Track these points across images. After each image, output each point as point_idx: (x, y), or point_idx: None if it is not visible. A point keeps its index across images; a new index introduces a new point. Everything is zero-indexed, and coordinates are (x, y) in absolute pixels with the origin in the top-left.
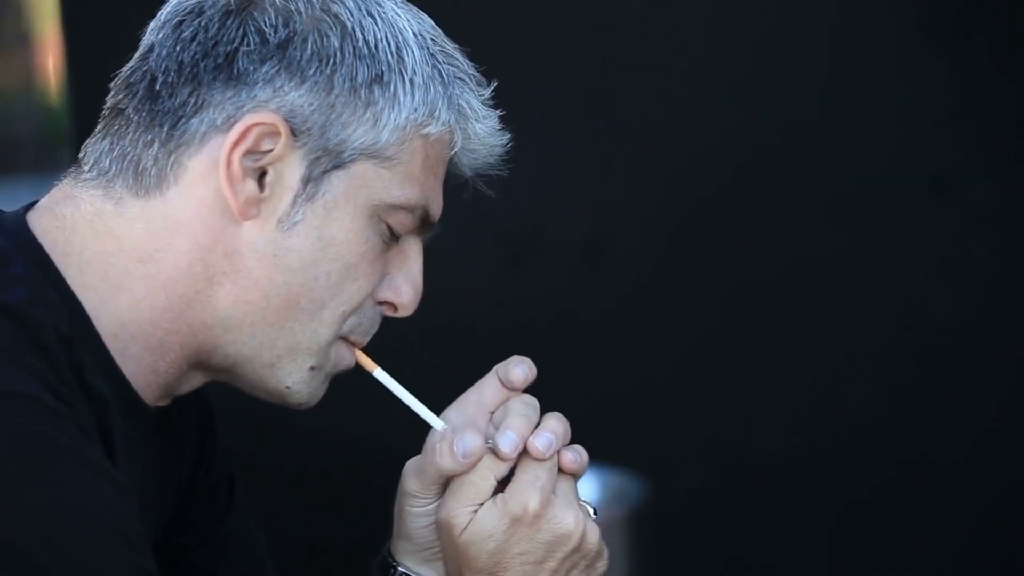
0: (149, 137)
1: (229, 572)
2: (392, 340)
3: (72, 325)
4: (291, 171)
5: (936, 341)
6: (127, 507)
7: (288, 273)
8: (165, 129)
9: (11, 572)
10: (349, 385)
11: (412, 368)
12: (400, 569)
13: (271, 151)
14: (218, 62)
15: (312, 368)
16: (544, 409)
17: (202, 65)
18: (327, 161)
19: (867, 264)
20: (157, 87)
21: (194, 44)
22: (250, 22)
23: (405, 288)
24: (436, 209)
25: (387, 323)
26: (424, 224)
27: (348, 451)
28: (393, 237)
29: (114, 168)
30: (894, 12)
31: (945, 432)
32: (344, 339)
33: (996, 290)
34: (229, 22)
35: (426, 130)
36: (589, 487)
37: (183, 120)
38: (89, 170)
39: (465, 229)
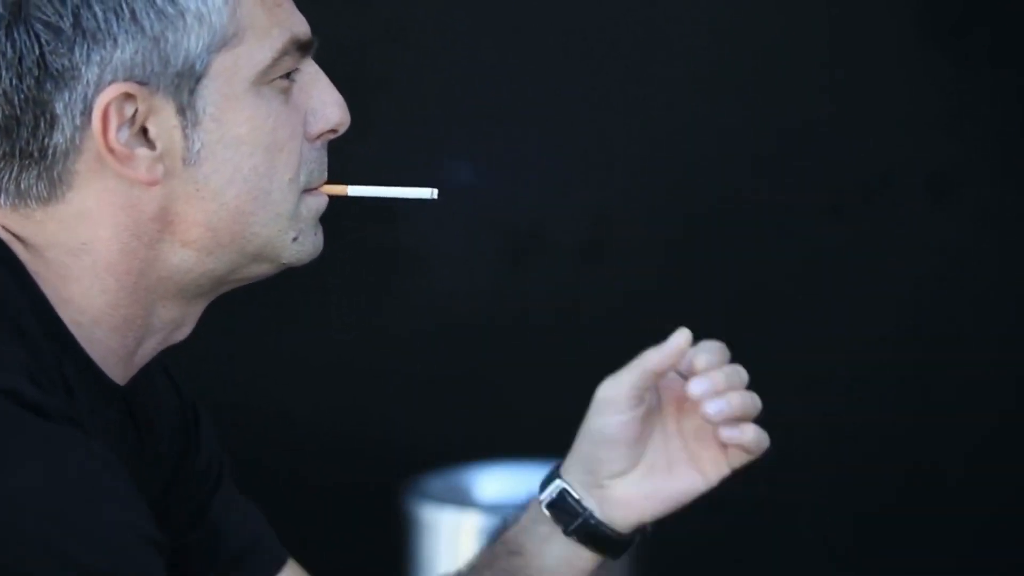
0: (24, 162)
1: (228, 548)
2: (393, 341)
3: (36, 311)
4: (164, 114)
5: (938, 342)
6: (122, 478)
7: (219, 195)
8: (35, 155)
9: (10, 552)
10: (349, 387)
11: (412, 368)
12: (563, 484)
13: (136, 111)
14: (36, 76)
15: (295, 238)
16: (544, 410)
17: (24, 87)
18: (187, 82)
19: (867, 264)
20: (1, 123)
21: (3, 72)
22: (32, 22)
23: (328, 111)
24: (301, 29)
25: (387, 324)
26: (303, 49)
27: (346, 452)
28: (288, 80)
29: None
30: (894, 12)
31: (948, 434)
32: (306, 191)
33: (997, 290)
34: (16, 34)
35: None
36: None
37: (46, 139)
38: None
39: (465, 229)
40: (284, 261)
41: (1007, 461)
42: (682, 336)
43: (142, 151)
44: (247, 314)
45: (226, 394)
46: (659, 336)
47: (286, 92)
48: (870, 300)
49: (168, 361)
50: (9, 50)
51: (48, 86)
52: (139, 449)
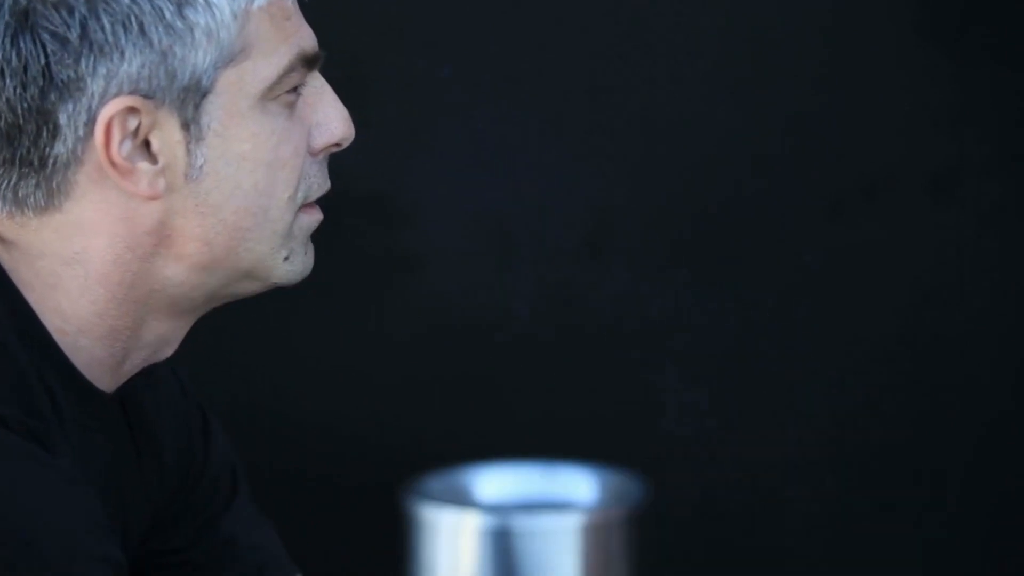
0: (24, 170)
1: (238, 567)
2: (392, 341)
3: (16, 319)
4: (168, 128)
5: (938, 342)
6: (84, 497)
7: (217, 210)
8: (35, 163)
9: None
10: (349, 387)
11: (412, 368)
12: None
13: (139, 125)
14: (40, 85)
15: (287, 257)
16: (544, 410)
17: (28, 96)
18: (192, 97)
19: (867, 264)
20: (3, 130)
21: (7, 80)
22: (40, 32)
23: (333, 124)
24: (309, 43)
25: (386, 324)
26: (309, 63)
27: (346, 452)
28: (294, 95)
29: None
30: (894, 11)
31: (948, 434)
32: (303, 207)
33: (998, 289)
34: (22, 43)
35: (256, 2)
36: (589, 487)
37: (47, 148)
38: None
39: (463, 229)
40: (274, 280)
41: (1007, 461)
42: None
43: (144, 165)
44: (245, 316)
45: (224, 395)
46: (659, 336)
47: (291, 107)
48: (870, 300)
49: (179, 366)
50: (14, 58)
51: (52, 96)
52: (136, 457)
